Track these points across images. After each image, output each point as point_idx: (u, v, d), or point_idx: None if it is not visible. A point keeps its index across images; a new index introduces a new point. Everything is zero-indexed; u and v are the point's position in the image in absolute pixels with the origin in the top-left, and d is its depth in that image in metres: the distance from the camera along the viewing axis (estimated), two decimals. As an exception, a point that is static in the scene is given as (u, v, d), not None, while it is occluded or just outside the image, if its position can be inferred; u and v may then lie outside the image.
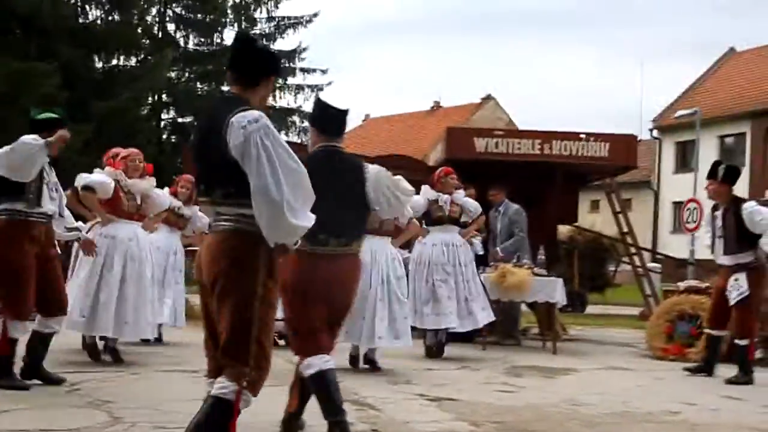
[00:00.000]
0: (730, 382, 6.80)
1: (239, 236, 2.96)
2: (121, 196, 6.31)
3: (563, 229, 14.08)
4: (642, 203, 32.30)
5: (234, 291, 2.92)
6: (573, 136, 10.34)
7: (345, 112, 4.24)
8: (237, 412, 2.99)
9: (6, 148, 4.99)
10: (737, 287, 6.88)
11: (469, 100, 40.21)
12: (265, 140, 2.89)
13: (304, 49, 28.45)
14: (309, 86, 28.62)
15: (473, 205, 7.82)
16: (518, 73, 76.44)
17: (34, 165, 4.97)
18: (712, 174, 7.12)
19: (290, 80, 28.58)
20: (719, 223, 7.04)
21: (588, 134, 10.36)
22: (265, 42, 28.17)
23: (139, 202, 6.46)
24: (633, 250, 12.78)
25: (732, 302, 6.94)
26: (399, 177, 4.45)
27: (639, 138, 11.07)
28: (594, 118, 66.98)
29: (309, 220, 2.99)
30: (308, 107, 28.55)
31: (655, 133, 32.12)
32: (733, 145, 29.42)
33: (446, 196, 7.63)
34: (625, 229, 12.40)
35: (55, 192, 5.26)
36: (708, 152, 28.38)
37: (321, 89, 28.79)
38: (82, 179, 6.20)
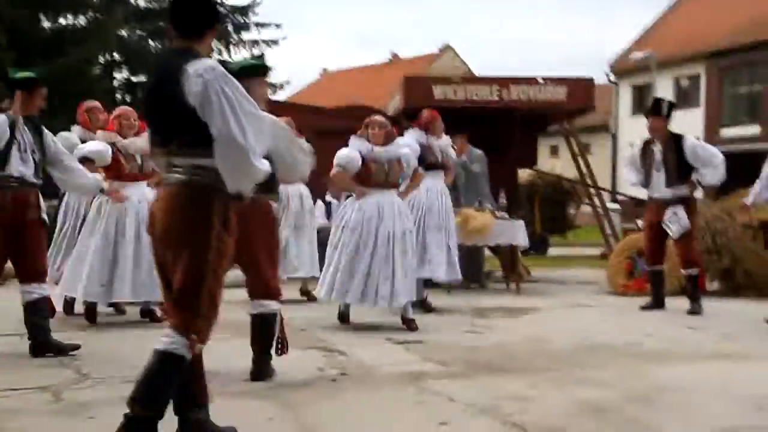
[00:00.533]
0: (690, 312, 7.02)
1: (193, 188, 2.95)
2: (121, 159, 6.16)
3: (524, 174, 14.20)
4: (601, 147, 32.64)
5: (188, 243, 2.93)
6: (530, 81, 10.39)
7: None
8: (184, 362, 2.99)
9: None
10: (676, 220, 7.12)
11: (428, 51, 40.08)
12: (225, 88, 2.88)
13: (258, 3, 27.96)
14: (264, 41, 28.20)
15: (452, 155, 7.60)
16: (476, 22, 76.08)
17: None
18: (656, 110, 7.33)
19: (245, 35, 28.14)
20: (658, 157, 7.24)
21: (545, 78, 10.42)
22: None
23: (140, 161, 6.26)
24: (593, 191, 12.95)
25: (676, 236, 7.19)
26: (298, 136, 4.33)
27: (596, 82, 11.12)
28: (554, 66, 67.16)
29: (267, 165, 3.03)
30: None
31: (612, 77, 32.31)
32: (689, 87, 29.74)
33: (437, 140, 7.30)
34: (585, 171, 12.54)
35: (30, 153, 5.01)
36: (664, 94, 28.61)
37: (276, 44, 28.42)
38: (78, 151, 6.03)
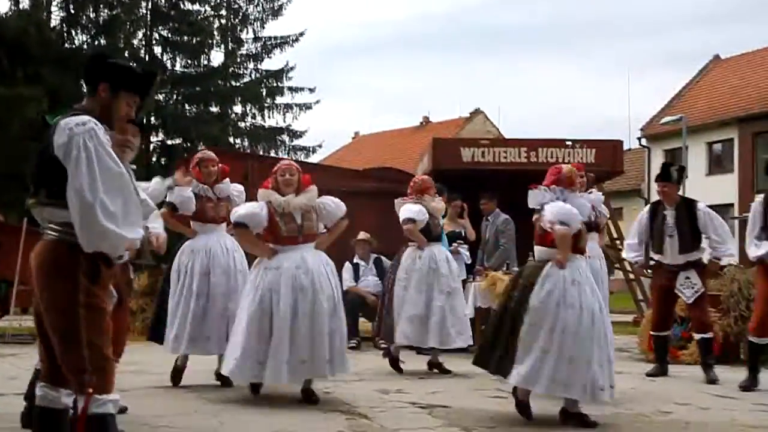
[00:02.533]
0: (709, 382, 6.84)
1: (59, 246, 2.99)
2: (277, 220, 5.56)
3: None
4: (633, 211, 32.25)
5: (56, 302, 2.96)
6: (559, 143, 10.41)
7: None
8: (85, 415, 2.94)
9: None
10: (690, 285, 7.02)
11: (458, 114, 40.44)
12: (89, 142, 2.94)
13: (292, 68, 28.48)
14: (297, 105, 28.62)
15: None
16: (506, 87, 76.86)
17: None
18: (665, 176, 7.19)
19: (278, 99, 28.58)
20: (671, 222, 7.11)
21: (574, 141, 10.43)
22: (252, 62, 28.35)
23: (300, 221, 5.59)
24: (624, 256, 12.77)
25: (689, 300, 7.08)
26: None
27: (628, 147, 11.17)
28: (582, 130, 67.18)
29: (133, 232, 3.02)
30: (297, 126, 28.62)
31: (644, 141, 32.27)
32: (721, 152, 29.56)
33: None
34: (616, 236, 12.41)
35: None
36: (697, 159, 28.55)
37: (309, 108, 28.86)
38: (234, 216, 5.64)
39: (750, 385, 6.45)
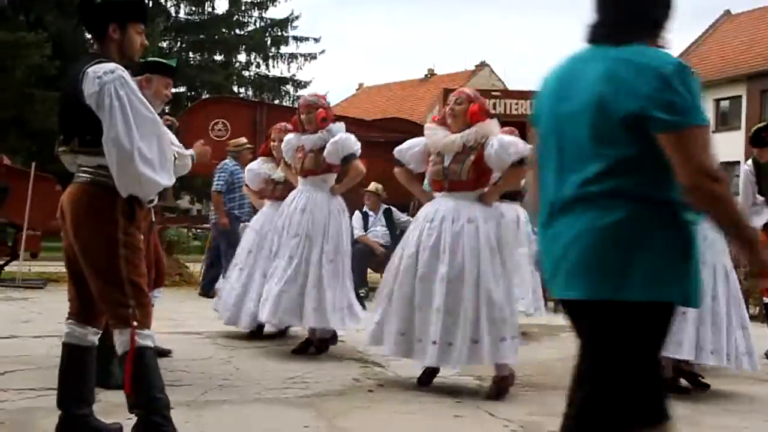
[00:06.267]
0: None
1: (96, 188, 3.01)
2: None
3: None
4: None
5: (97, 242, 2.99)
6: (572, 95, 10.29)
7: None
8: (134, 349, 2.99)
9: None
10: None
11: (464, 68, 40.04)
12: (120, 90, 2.94)
13: (297, 17, 28.18)
14: (302, 55, 28.40)
15: None
16: (512, 39, 75.97)
17: None
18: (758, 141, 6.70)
19: (283, 49, 28.35)
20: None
21: (586, 93, 10.31)
22: (257, 10, 27.99)
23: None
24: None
25: None
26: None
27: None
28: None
29: (166, 178, 3.04)
30: (302, 76, 28.42)
31: (651, 97, 31.99)
32: (729, 109, 29.33)
33: None
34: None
35: None
36: (704, 115, 28.29)
37: (314, 58, 28.59)
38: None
39: None
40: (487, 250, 4.35)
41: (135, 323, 2.95)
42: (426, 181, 5.29)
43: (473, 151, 4.50)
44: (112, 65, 3.01)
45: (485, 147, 4.48)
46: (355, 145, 5.46)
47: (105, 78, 2.94)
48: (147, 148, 2.94)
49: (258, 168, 6.38)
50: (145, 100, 3.04)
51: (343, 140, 5.42)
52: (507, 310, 4.35)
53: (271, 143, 6.34)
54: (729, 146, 27.04)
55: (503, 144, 4.47)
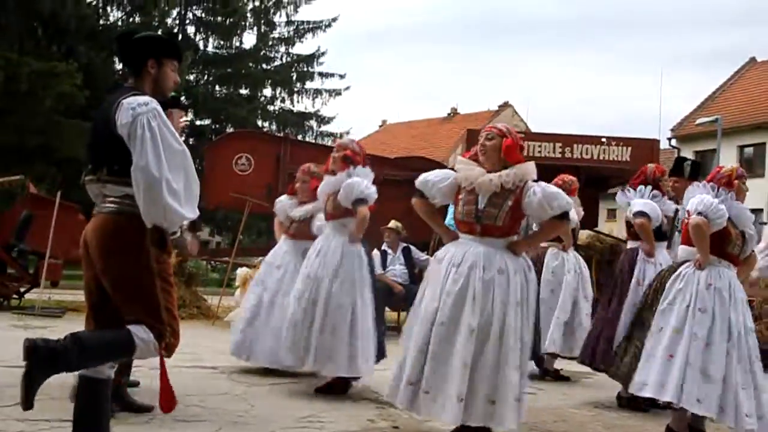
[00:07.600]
0: None
1: (124, 218, 3.05)
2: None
3: (583, 235, 13.94)
4: (660, 213, 32.05)
5: (131, 271, 3.01)
6: (594, 140, 10.30)
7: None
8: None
9: None
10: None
11: (487, 107, 40.22)
12: (152, 121, 3.01)
13: (323, 54, 28.52)
14: (327, 91, 28.68)
15: None
16: (535, 81, 76.33)
17: None
18: (677, 171, 6.63)
19: (308, 84, 28.66)
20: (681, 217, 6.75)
21: (609, 138, 10.31)
22: (284, 45, 28.36)
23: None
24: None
25: None
26: None
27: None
28: (611, 128, 66.68)
29: (191, 211, 3.07)
30: (326, 112, 28.68)
31: (674, 142, 31.88)
32: (753, 156, 29.14)
33: None
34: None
35: None
36: (728, 162, 28.04)
37: (339, 93, 28.85)
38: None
39: None
40: (514, 304, 4.06)
41: (164, 346, 3.03)
42: (449, 218, 5.25)
43: (511, 194, 4.16)
44: (146, 98, 3.08)
45: (524, 192, 4.15)
46: (366, 189, 5.28)
47: (139, 110, 3.01)
48: (175, 179, 2.98)
49: (284, 203, 6.44)
50: (176, 133, 3.10)
51: (353, 184, 5.28)
52: (519, 373, 4.05)
53: (296, 184, 6.34)
54: (753, 193, 26.65)
55: (547, 195, 4.13)
